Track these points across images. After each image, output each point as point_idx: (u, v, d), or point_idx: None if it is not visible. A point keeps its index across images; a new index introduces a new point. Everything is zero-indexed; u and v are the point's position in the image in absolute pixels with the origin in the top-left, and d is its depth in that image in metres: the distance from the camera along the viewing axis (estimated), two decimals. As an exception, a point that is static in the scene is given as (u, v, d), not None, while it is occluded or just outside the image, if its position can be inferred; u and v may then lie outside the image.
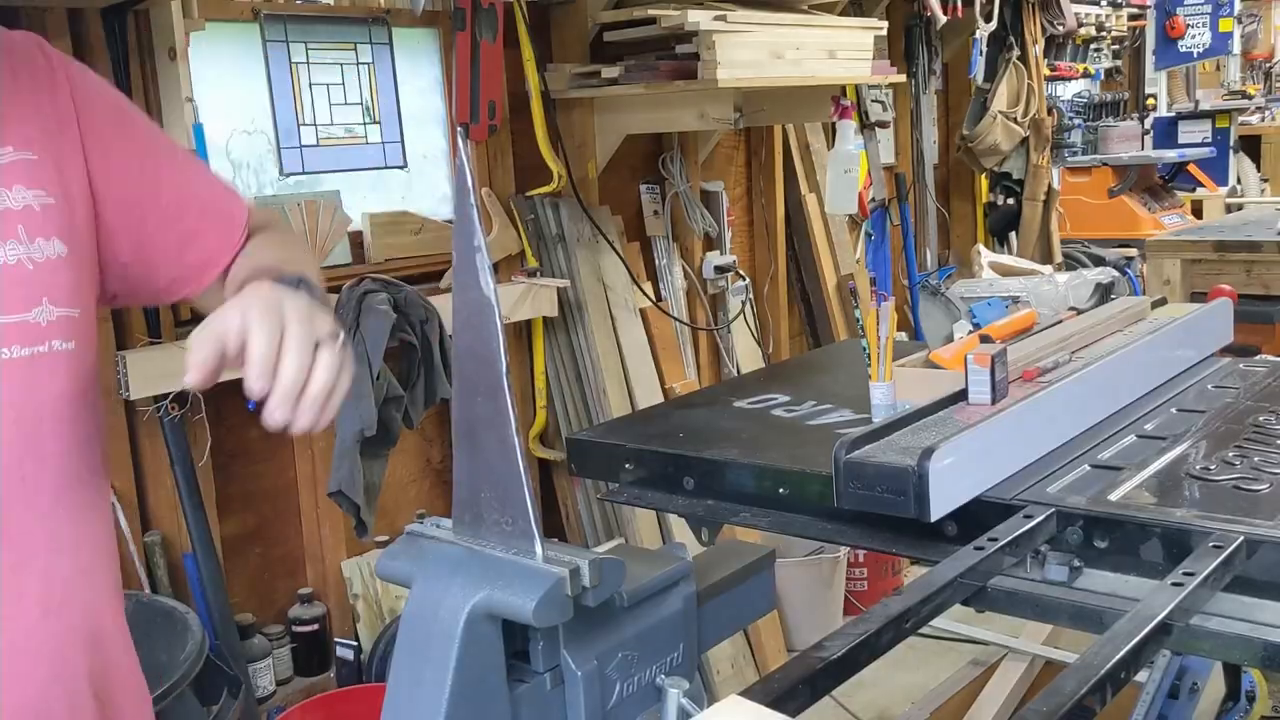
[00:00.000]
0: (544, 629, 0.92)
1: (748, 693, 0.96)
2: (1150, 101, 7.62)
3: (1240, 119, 7.44)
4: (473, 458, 0.97)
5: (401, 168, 3.22)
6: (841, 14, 3.86)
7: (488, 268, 0.91)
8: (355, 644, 2.99)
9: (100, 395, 1.22)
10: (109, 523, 1.25)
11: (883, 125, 4.79)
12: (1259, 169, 7.88)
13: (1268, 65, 8.64)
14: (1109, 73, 7.03)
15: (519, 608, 0.88)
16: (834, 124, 4.08)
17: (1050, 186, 5.88)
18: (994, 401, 1.56)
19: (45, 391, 1.13)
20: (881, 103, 4.71)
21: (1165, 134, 7.23)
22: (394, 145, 3.19)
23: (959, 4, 4.90)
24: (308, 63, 2.95)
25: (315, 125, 3.00)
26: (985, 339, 1.80)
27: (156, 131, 1.31)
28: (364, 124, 3.11)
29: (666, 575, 1.02)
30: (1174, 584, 1.16)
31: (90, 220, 1.18)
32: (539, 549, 0.91)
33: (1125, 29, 6.81)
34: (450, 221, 3.34)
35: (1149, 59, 7.41)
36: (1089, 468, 1.53)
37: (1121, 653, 1.02)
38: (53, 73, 1.18)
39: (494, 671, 0.92)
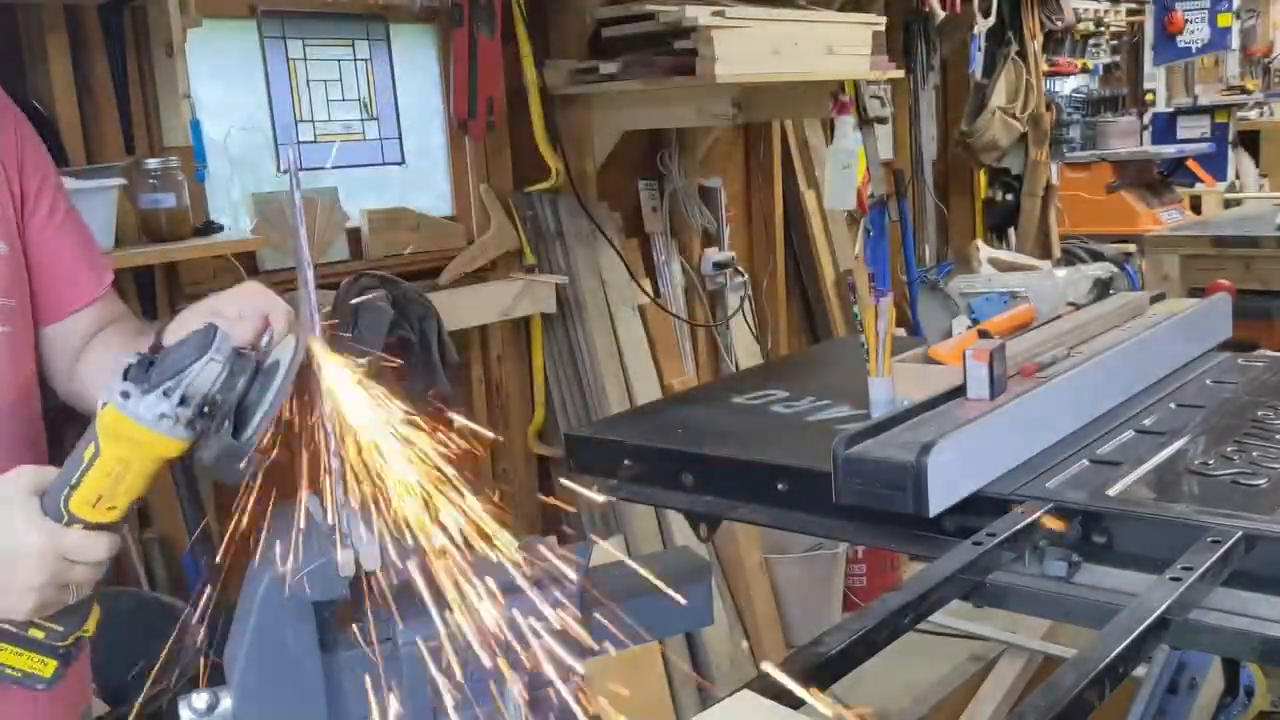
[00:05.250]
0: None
1: (750, 687, 0.96)
2: (1149, 97, 7.62)
3: (1239, 114, 7.43)
4: None
5: (399, 164, 3.21)
6: (840, 9, 3.85)
7: None
8: (354, 641, 2.98)
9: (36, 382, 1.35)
10: None
11: (881, 121, 4.78)
12: (1258, 164, 7.86)
13: (1267, 60, 8.62)
14: (1107, 68, 7.02)
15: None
16: (832, 120, 4.08)
17: (1049, 182, 5.88)
18: (992, 397, 1.56)
19: None
20: (880, 98, 4.70)
21: (1164, 129, 7.22)
22: (392, 142, 3.18)
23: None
24: (305, 59, 2.95)
25: (313, 122, 2.99)
26: (984, 334, 1.80)
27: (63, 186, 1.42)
28: (362, 120, 3.11)
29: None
30: (1172, 579, 1.16)
31: (18, 227, 1.31)
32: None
33: (1124, 24, 6.80)
34: (449, 218, 3.33)
35: (1148, 54, 7.40)
36: (1087, 463, 1.53)
37: (1120, 648, 1.02)
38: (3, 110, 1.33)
39: (295, 634, 0.97)
